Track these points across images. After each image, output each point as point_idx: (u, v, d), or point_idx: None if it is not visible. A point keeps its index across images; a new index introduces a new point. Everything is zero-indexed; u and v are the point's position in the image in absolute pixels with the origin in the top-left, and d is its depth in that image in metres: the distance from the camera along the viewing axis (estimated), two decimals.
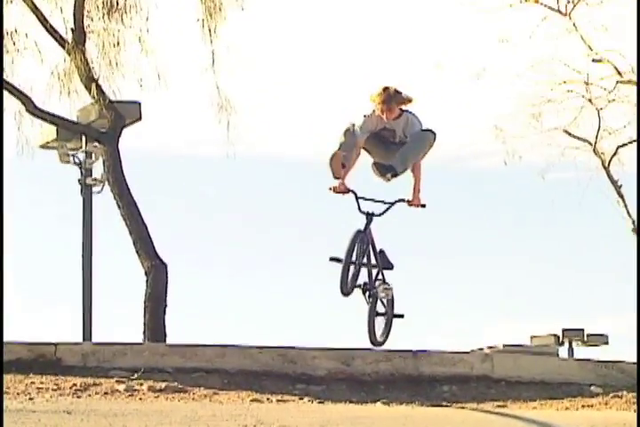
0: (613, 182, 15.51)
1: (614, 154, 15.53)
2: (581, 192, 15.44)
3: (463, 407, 7.67)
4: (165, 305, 11.04)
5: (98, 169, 13.95)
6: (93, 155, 14.07)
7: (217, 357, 8.11)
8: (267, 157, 19.85)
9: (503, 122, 15.32)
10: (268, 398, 7.53)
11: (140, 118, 12.30)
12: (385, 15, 16.49)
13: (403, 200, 7.50)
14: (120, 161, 11.36)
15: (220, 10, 11.24)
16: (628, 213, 15.29)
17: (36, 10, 11.14)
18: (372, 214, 7.43)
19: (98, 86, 11.20)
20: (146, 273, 11.12)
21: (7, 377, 7.57)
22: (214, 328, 17.23)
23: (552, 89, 15.22)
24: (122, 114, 11.47)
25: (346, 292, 7.30)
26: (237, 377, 7.96)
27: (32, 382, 7.58)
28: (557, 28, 14.89)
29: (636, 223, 15.08)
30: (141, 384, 7.62)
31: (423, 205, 7.53)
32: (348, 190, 7.45)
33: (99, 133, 11.82)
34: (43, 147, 13.89)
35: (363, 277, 7.51)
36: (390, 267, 7.59)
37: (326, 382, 8.04)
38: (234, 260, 20.85)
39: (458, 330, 18.45)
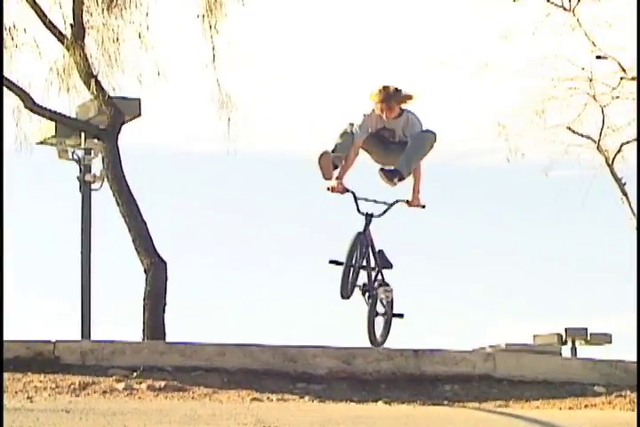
0: (617, 180, 15.46)
1: (618, 151, 15.47)
2: (585, 190, 15.41)
3: (465, 407, 7.63)
4: (165, 303, 10.99)
5: (97, 166, 13.91)
6: (92, 151, 14.01)
7: (217, 355, 8.07)
8: (267, 154, 19.82)
9: (506, 119, 15.29)
10: (268, 397, 7.50)
11: (139, 115, 12.25)
12: (387, 10, 16.45)
13: (402, 201, 7.45)
14: (119, 158, 11.30)
15: (220, 5, 11.19)
16: (632, 210, 15.24)
17: (34, 5, 11.08)
18: (372, 215, 7.38)
19: (97, 82, 11.15)
20: (145, 271, 11.07)
21: (5, 376, 7.52)
22: (214, 327, 17.22)
23: (555, 86, 15.17)
24: (121, 110, 11.41)
25: (346, 296, 7.29)
26: (237, 376, 7.92)
27: (30, 381, 7.54)
28: (561, 24, 14.84)
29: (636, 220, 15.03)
30: (140, 383, 7.59)
31: (423, 206, 7.51)
32: (346, 190, 7.42)
33: (98, 130, 11.77)
34: (41, 143, 13.83)
35: (362, 277, 7.49)
36: (389, 266, 7.56)
37: (327, 381, 8.00)
38: (234, 257, 20.83)
39: (460, 329, 18.41)
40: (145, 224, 11.14)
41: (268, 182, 21.04)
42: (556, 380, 8.41)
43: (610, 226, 18.06)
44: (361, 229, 7.42)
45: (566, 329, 16.24)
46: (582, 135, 15.59)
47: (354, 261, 7.31)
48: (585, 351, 16.13)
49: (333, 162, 7.41)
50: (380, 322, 7.57)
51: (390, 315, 7.50)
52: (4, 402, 6.71)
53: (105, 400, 7.18)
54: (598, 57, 14.97)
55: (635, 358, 9.09)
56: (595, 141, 15.49)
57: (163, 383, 7.57)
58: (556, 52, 14.87)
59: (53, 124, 12.79)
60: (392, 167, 7.42)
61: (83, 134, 13.52)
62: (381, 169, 7.43)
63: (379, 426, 6.81)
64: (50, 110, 11.41)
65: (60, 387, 7.44)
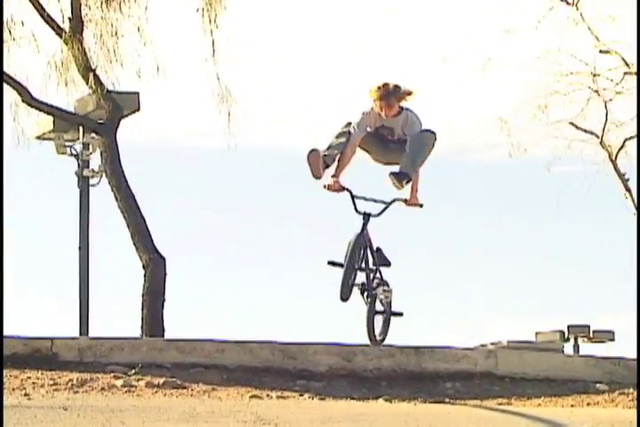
0: (620, 176, 15.40)
1: (621, 147, 15.41)
2: (588, 186, 15.35)
3: (466, 404, 7.60)
4: (164, 299, 10.95)
5: (95, 161, 13.87)
6: (91, 146, 13.96)
7: (216, 352, 8.03)
8: (268, 149, 19.75)
9: (508, 114, 15.24)
10: (267, 395, 7.46)
11: (138, 109, 12.19)
12: (389, 5, 16.37)
13: (400, 200, 7.39)
14: (118, 152, 11.25)
15: None
16: (635, 206, 15.17)
17: None
18: (369, 215, 7.34)
19: (95, 76, 11.09)
20: (144, 267, 11.02)
21: (2, 372, 7.47)
22: (213, 323, 17.16)
23: (558, 81, 15.12)
24: (120, 105, 11.36)
25: (345, 298, 7.24)
26: (237, 373, 7.88)
27: (28, 378, 7.50)
28: (564, 18, 14.78)
29: (636, 216, 14.97)
30: (139, 380, 7.55)
31: (421, 205, 7.46)
32: (342, 188, 7.37)
33: (96, 124, 11.71)
34: (39, 138, 13.78)
35: (360, 276, 7.44)
36: (388, 264, 7.52)
37: (327, 379, 7.96)
38: (234, 253, 20.78)
39: (461, 327, 18.37)
40: (144, 220, 11.10)
41: (268, 177, 20.98)
42: (558, 377, 8.36)
43: (613, 222, 18.01)
44: (359, 229, 7.36)
45: (569, 326, 16.19)
46: (585, 130, 15.53)
47: (354, 265, 7.26)
48: (587, 349, 16.09)
49: (325, 160, 7.36)
50: (379, 321, 7.52)
51: (389, 314, 7.45)
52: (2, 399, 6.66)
53: (103, 397, 7.14)
54: (601, 51, 14.91)
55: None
56: (598, 137, 15.42)
57: (161, 380, 7.53)
58: (559, 47, 14.82)
59: (51, 118, 12.73)
60: (397, 170, 7.35)
61: (81, 129, 13.47)
62: (392, 173, 7.36)
63: (379, 424, 6.76)
64: (48, 104, 11.35)
65: (58, 384, 7.41)
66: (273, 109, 16.43)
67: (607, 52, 14.88)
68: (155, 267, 10.90)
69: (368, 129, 7.44)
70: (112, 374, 7.64)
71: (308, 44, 17.48)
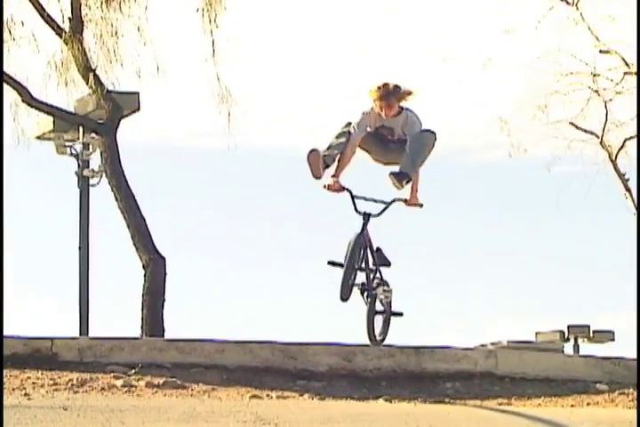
0: (620, 176, 15.38)
1: (621, 147, 15.39)
2: (588, 186, 15.33)
3: (466, 404, 7.59)
4: (164, 299, 10.94)
5: (95, 161, 13.86)
6: (91, 146, 13.95)
7: (216, 352, 8.02)
8: (268, 149, 19.74)
9: (508, 114, 15.21)
10: (267, 395, 7.45)
11: (138, 109, 12.18)
12: (389, 5, 16.36)
13: (400, 199, 7.38)
14: (118, 152, 11.24)
15: None
16: (635, 206, 15.15)
17: None
18: (369, 215, 7.33)
19: (95, 76, 11.08)
20: (144, 267, 11.01)
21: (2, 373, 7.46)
22: (213, 323, 17.14)
23: (558, 80, 15.09)
24: (120, 105, 11.35)
25: (345, 298, 7.22)
26: (237, 373, 7.88)
27: (28, 378, 7.49)
28: (564, 18, 14.75)
29: (636, 216, 14.95)
30: (139, 380, 7.54)
31: (421, 205, 7.45)
32: (342, 188, 7.35)
33: (96, 124, 11.70)
34: (39, 138, 13.77)
35: (360, 277, 7.43)
36: (388, 264, 7.51)
37: (327, 379, 7.96)
38: (234, 254, 20.76)
39: (461, 327, 18.34)
40: (144, 220, 11.09)
41: (268, 178, 20.97)
42: (558, 377, 8.36)
43: (613, 222, 17.99)
44: (359, 229, 7.35)
45: (569, 326, 16.17)
46: (585, 130, 15.51)
47: (354, 265, 7.25)
48: (588, 349, 16.07)
49: (325, 160, 7.36)
50: (379, 321, 7.51)
51: (389, 314, 7.44)
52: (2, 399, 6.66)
53: (103, 397, 7.13)
54: (602, 51, 14.89)
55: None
56: (598, 137, 15.40)
57: (161, 380, 7.53)
58: (559, 47, 14.80)
59: (51, 118, 12.72)
60: (397, 170, 7.34)
61: (81, 129, 13.46)
62: (392, 173, 7.35)
63: (379, 424, 6.76)
64: (48, 104, 11.34)
65: (58, 384, 7.40)
66: (273, 109, 16.43)
67: (607, 52, 14.86)
68: (155, 267, 10.89)
69: (368, 129, 7.44)
70: (112, 374, 7.63)
71: (308, 44, 17.48)
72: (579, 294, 19.63)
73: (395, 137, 7.46)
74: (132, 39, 11.11)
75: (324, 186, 7.38)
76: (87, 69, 11.05)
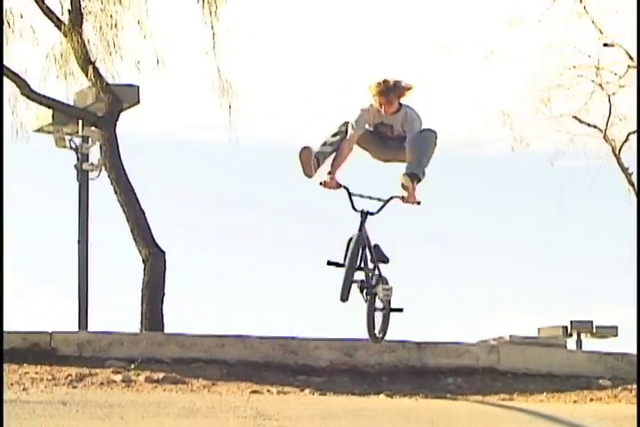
0: (624, 170, 15.31)
1: (625, 141, 15.30)
2: (591, 180, 15.26)
3: (468, 400, 7.56)
4: (163, 294, 10.88)
5: (95, 154, 13.77)
6: (90, 139, 13.85)
7: (216, 347, 7.99)
8: (268, 142, 19.65)
9: (511, 107, 15.12)
10: (268, 390, 7.42)
11: (138, 102, 12.09)
12: None
13: (397, 197, 7.34)
14: (117, 146, 11.18)
15: None
16: (636, 198, 15.07)
17: None
18: (367, 213, 7.27)
19: (95, 69, 11.00)
20: (143, 261, 10.95)
21: None
22: (213, 318, 17.10)
23: (561, 74, 14.99)
24: (119, 97, 11.27)
25: (345, 299, 7.16)
26: (237, 368, 7.84)
27: (26, 373, 7.46)
28: (567, 11, 14.67)
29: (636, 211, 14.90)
30: (138, 375, 7.51)
31: (418, 203, 7.38)
32: (339, 186, 7.29)
33: (96, 117, 11.63)
34: (38, 131, 13.68)
35: (360, 275, 7.38)
36: (386, 261, 7.46)
37: (328, 374, 7.93)
38: (234, 248, 20.70)
39: (462, 323, 18.28)
40: (143, 213, 11.02)
41: (269, 171, 20.88)
42: (560, 373, 8.32)
43: (616, 216, 17.91)
44: (357, 228, 7.29)
45: (571, 322, 16.12)
46: (589, 124, 15.42)
47: (354, 266, 7.20)
48: (591, 344, 16.02)
49: (317, 158, 7.29)
50: (379, 318, 7.46)
51: (388, 311, 7.39)
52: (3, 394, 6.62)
53: (102, 392, 7.10)
54: (605, 45, 14.80)
55: None
56: (601, 131, 15.31)
57: (161, 375, 7.49)
58: (563, 40, 14.69)
59: (50, 111, 12.63)
60: (405, 170, 7.28)
61: (80, 122, 13.35)
62: (405, 173, 7.28)
63: (380, 419, 6.72)
64: (47, 97, 11.27)
65: (57, 378, 7.36)
66: (274, 102, 16.34)
67: (611, 45, 14.78)
68: (154, 261, 10.84)
69: (367, 126, 7.38)
70: (111, 369, 7.60)
71: (308, 36, 17.41)
72: (581, 289, 19.57)
73: (394, 134, 7.41)
74: (131, 31, 11.04)
75: (320, 183, 7.31)
76: (87, 62, 10.97)
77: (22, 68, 11.03)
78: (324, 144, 7.35)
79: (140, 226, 10.95)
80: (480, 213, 21.17)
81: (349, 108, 7.50)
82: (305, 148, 7.26)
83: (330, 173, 7.34)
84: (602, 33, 14.79)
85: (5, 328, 7.92)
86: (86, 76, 11.07)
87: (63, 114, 12.49)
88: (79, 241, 13.57)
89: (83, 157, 13.98)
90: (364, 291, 7.31)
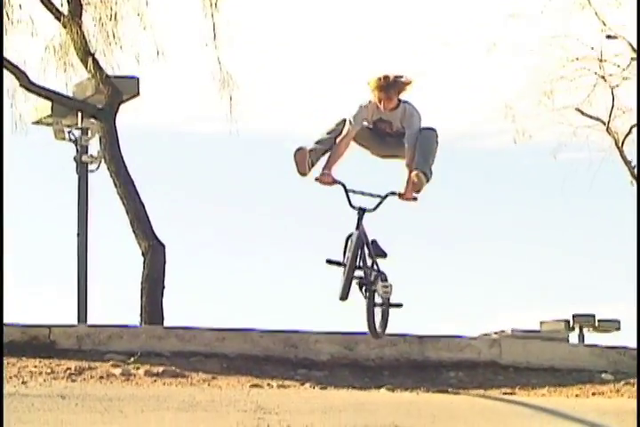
0: (627, 163, 15.26)
1: (628, 133, 15.25)
2: (594, 173, 15.21)
3: (470, 394, 7.53)
4: (163, 287, 10.84)
5: (94, 146, 13.72)
6: (89, 131, 13.81)
7: (216, 340, 7.96)
8: (269, 134, 19.58)
9: (513, 100, 15.06)
10: (268, 384, 7.39)
11: (137, 94, 12.04)
12: None
13: (395, 193, 7.28)
14: (117, 138, 11.12)
15: None
16: (636, 190, 15.02)
17: None
18: (364, 210, 7.21)
19: (94, 61, 10.94)
20: (143, 254, 10.91)
21: None
22: (213, 311, 17.07)
23: (564, 66, 14.94)
24: (119, 89, 11.22)
25: (344, 299, 7.12)
26: (237, 362, 7.82)
27: (25, 366, 7.43)
28: (570, 2, 14.60)
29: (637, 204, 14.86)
30: (138, 368, 7.48)
31: (415, 199, 7.32)
32: (334, 182, 7.23)
33: (95, 109, 11.57)
34: (37, 123, 13.64)
35: (359, 271, 7.33)
36: (384, 255, 7.41)
37: (329, 368, 7.90)
38: (234, 241, 20.66)
39: (464, 317, 18.22)
40: (143, 206, 10.98)
41: (270, 164, 20.81)
42: (562, 367, 8.29)
43: (619, 210, 17.84)
44: (355, 225, 7.24)
45: (574, 316, 16.10)
46: (591, 117, 15.37)
47: (354, 265, 7.16)
48: (593, 339, 15.98)
49: (311, 156, 7.25)
50: (378, 313, 7.43)
51: (387, 306, 7.35)
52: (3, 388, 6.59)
53: (101, 386, 7.07)
54: (608, 37, 14.74)
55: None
56: (604, 123, 15.27)
57: (160, 369, 7.46)
58: (565, 32, 14.64)
59: (49, 103, 12.58)
60: (420, 167, 7.22)
61: (80, 114, 13.30)
62: (417, 173, 7.21)
63: (381, 413, 6.69)
64: (46, 89, 11.21)
65: (56, 372, 7.33)
66: (274, 94, 16.28)
67: (614, 37, 14.72)
68: (154, 254, 10.79)
69: (365, 123, 7.34)
70: (110, 363, 7.57)
71: (309, 28, 17.34)
72: (584, 283, 19.51)
73: (393, 130, 7.37)
74: (131, 23, 10.98)
75: (316, 178, 7.26)
76: (86, 53, 10.91)
77: (21, 59, 10.97)
78: (319, 141, 7.31)
79: (139, 219, 10.90)
80: (482, 206, 21.12)
81: (349, 101, 7.46)
82: (300, 148, 7.24)
83: (325, 168, 7.29)
84: (605, 25, 14.73)
85: (4, 321, 7.89)
86: (86, 67, 11.00)
87: (62, 106, 12.43)
88: (78, 234, 13.53)
89: (82, 150, 13.93)
90: (364, 287, 7.27)
